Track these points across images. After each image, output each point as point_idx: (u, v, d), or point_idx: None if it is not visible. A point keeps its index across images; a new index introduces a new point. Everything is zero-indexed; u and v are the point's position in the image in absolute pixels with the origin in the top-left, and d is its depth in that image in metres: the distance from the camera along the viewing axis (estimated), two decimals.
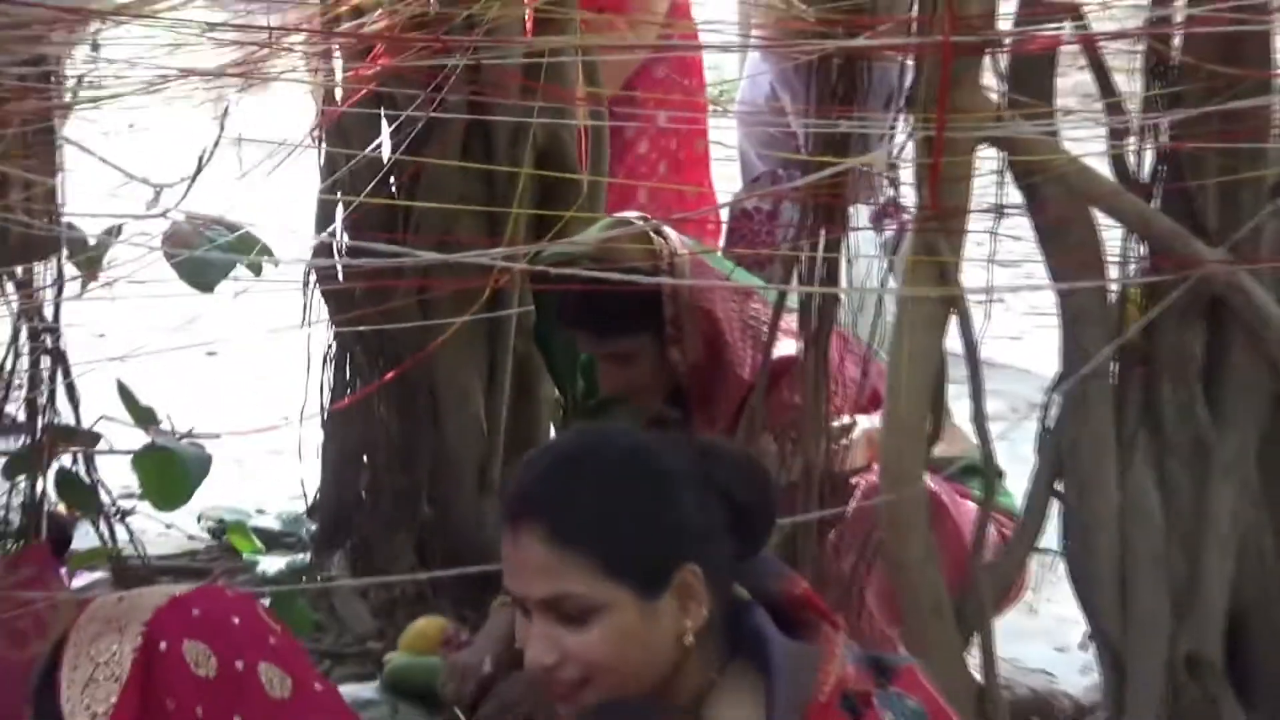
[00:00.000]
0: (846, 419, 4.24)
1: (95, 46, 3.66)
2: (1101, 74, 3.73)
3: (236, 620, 2.26)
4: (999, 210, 3.67)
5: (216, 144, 4.05)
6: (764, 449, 4.23)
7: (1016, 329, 4.67)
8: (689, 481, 2.68)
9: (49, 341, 3.93)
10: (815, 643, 2.64)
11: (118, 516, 4.34)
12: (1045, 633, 4.56)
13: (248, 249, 4.30)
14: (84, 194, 3.70)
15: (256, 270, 4.33)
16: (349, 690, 4.30)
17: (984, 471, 3.93)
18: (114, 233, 3.99)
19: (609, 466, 2.73)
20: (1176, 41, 3.70)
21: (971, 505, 4.09)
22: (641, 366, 4.38)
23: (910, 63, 3.82)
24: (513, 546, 2.65)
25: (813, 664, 2.60)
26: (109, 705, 2.17)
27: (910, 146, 3.71)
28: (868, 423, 4.16)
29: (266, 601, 4.69)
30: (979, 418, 3.77)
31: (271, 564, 5.04)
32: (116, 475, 4.33)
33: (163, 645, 2.19)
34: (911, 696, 2.65)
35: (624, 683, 2.61)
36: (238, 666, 2.21)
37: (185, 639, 2.20)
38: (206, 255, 4.25)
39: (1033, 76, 3.70)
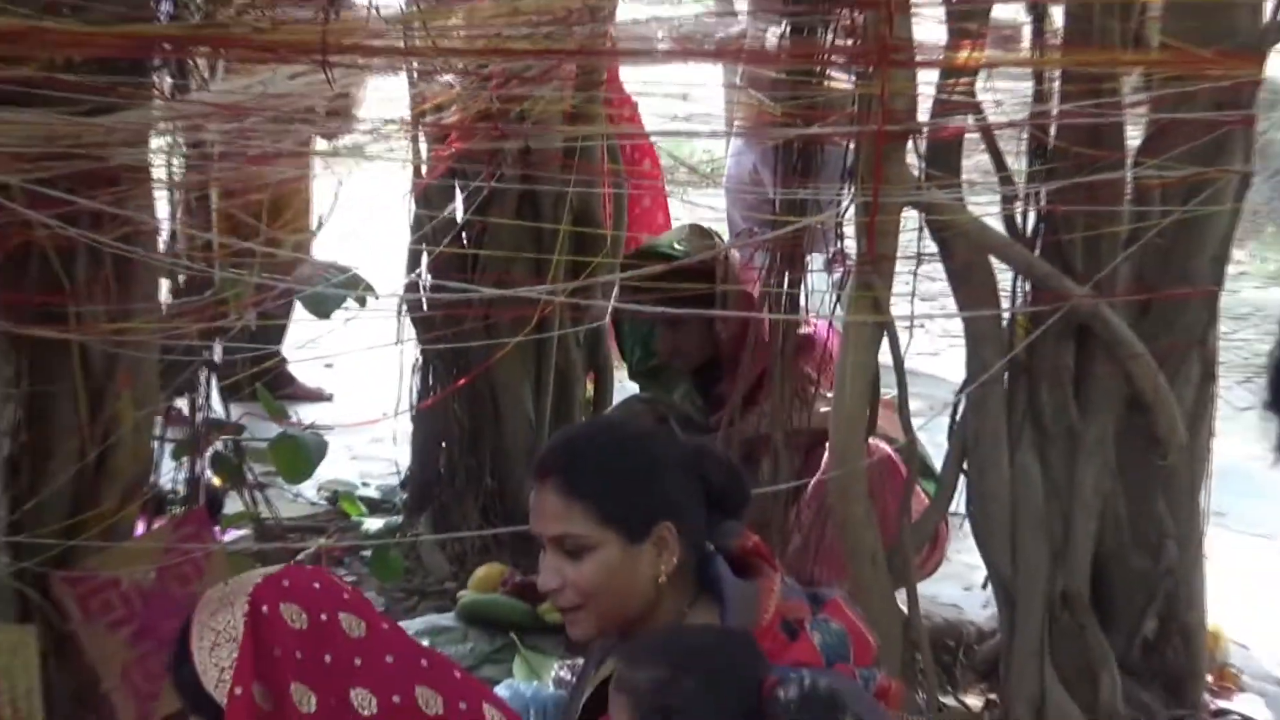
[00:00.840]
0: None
1: None
2: (995, 154, 3.86)
3: (316, 585, 2.31)
4: (919, 257, 3.80)
5: (333, 208, 4.26)
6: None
7: (933, 347, 4.74)
8: (675, 463, 2.81)
9: (205, 354, 3.92)
10: (759, 581, 2.77)
11: (258, 488, 4.39)
12: (956, 576, 4.62)
13: (355, 286, 4.45)
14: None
15: (362, 302, 4.45)
16: (430, 619, 4.45)
17: (909, 456, 4.02)
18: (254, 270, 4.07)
19: (614, 442, 2.89)
20: (1052, 130, 3.82)
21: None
22: (690, 333, 4.55)
23: (852, 146, 3.87)
24: (536, 495, 2.79)
25: (756, 597, 2.73)
26: (231, 661, 2.22)
27: (852, 209, 3.82)
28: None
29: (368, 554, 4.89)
30: (904, 413, 3.90)
31: (373, 524, 5.17)
32: (257, 457, 4.38)
33: (264, 609, 2.24)
34: (836, 621, 2.74)
35: (610, 609, 2.73)
36: (322, 618, 2.26)
37: (281, 602, 2.24)
38: (325, 290, 4.40)
39: (944, 156, 3.83)
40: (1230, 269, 4.15)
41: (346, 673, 2.24)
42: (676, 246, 4.66)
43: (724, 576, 2.78)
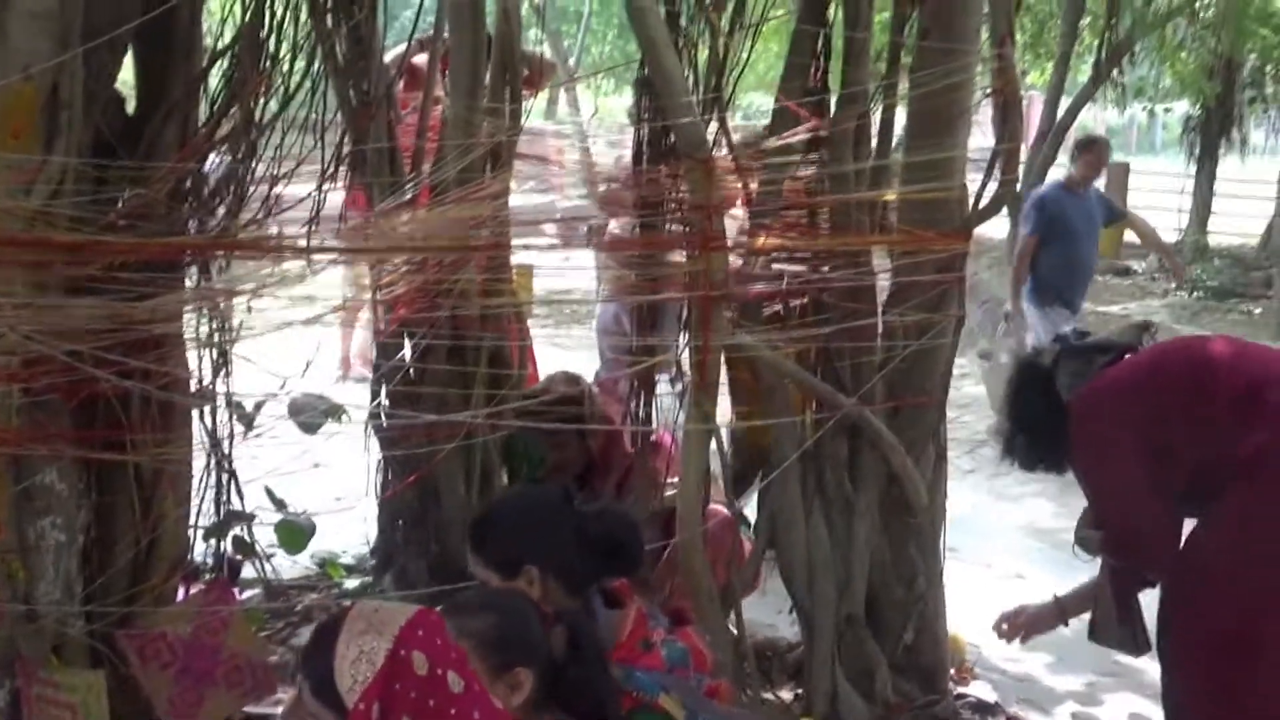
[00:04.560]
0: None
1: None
2: (786, 308, 3.95)
3: (438, 641, 2.20)
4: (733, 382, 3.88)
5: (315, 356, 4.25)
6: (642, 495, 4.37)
7: None
8: (549, 524, 2.86)
9: (226, 464, 3.85)
10: (622, 611, 2.81)
11: (266, 558, 4.35)
12: (769, 605, 4.60)
13: (334, 411, 4.44)
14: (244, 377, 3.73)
15: (339, 420, 4.45)
16: None
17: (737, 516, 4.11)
18: (261, 403, 4.07)
19: (504, 510, 3.00)
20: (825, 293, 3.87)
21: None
22: (570, 449, 4.49)
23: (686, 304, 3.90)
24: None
25: (619, 622, 2.77)
26: (365, 679, 2.13)
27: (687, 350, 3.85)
28: None
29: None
30: (728, 490, 3.98)
31: (350, 583, 5.10)
32: (264, 536, 4.33)
33: (402, 652, 2.15)
34: (681, 641, 2.78)
35: None
36: (437, 671, 2.16)
37: (415, 649, 2.16)
38: (312, 415, 4.40)
39: (751, 311, 3.90)
40: (956, 372, 4.17)
41: (443, 718, 2.18)
42: (557, 388, 4.61)
43: (596, 607, 2.83)
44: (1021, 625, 3.83)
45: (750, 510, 4.32)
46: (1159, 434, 3.24)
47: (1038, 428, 3.47)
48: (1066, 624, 3.82)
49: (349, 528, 5.43)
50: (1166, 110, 20.35)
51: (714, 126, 3.72)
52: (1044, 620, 3.79)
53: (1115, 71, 8.83)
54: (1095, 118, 24.42)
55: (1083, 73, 18.28)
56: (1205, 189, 19.68)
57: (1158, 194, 20.42)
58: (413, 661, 2.16)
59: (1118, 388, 3.34)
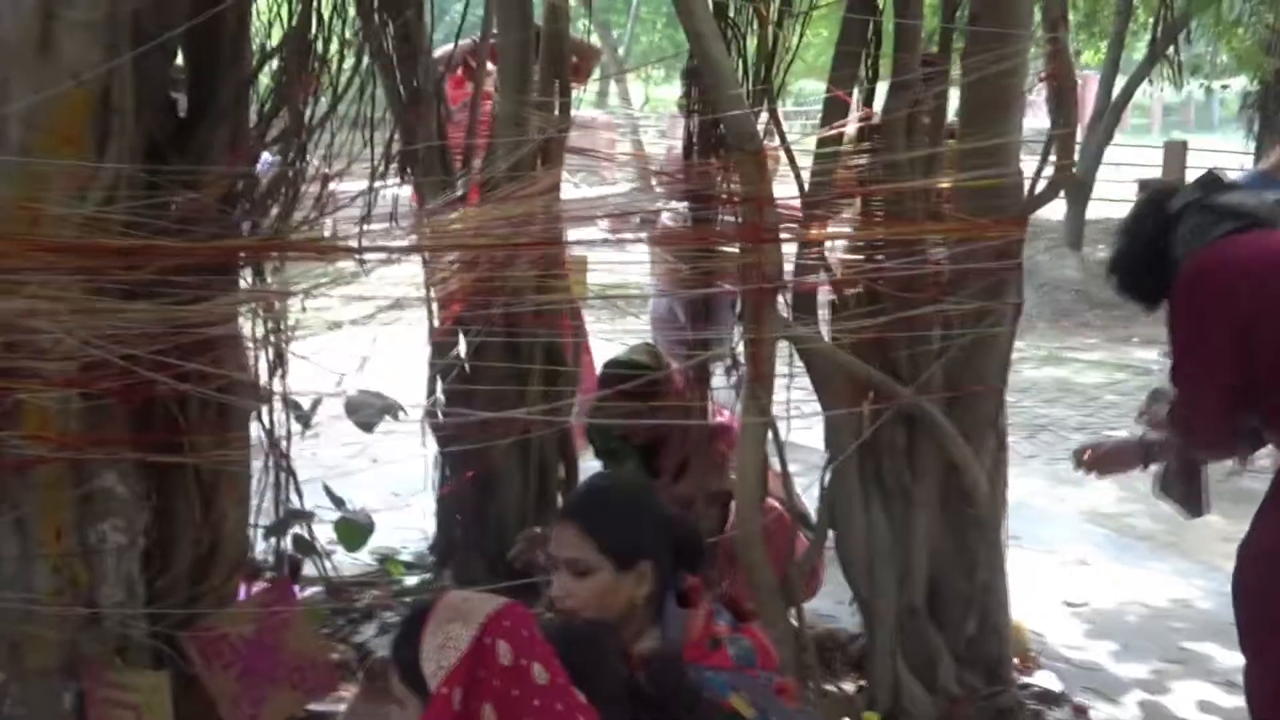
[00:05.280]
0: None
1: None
2: (842, 300, 3.88)
3: (525, 632, 2.21)
4: (791, 373, 3.84)
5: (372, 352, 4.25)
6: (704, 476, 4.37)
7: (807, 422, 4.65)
8: (658, 520, 2.83)
9: (285, 463, 3.85)
10: (693, 610, 2.78)
11: (325, 556, 4.30)
12: (830, 595, 4.56)
13: (391, 408, 4.44)
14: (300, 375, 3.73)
15: (395, 418, 4.45)
16: None
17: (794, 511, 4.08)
18: (318, 402, 4.07)
19: (620, 499, 2.90)
20: (880, 282, 3.80)
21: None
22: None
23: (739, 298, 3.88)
24: (559, 528, 2.81)
25: (689, 621, 2.75)
26: (450, 664, 2.14)
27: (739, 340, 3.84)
28: None
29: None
30: (787, 482, 3.93)
31: (409, 580, 5.11)
32: (323, 533, 4.32)
33: (487, 640, 2.16)
34: (747, 639, 2.77)
35: (595, 616, 2.71)
36: (521, 662, 2.16)
37: (500, 639, 2.17)
38: (369, 413, 4.40)
39: (805, 303, 3.88)
40: (1014, 356, 4.13)
41: (526, 709, 2.17)
42: (637, 358, 4.62)
43: (670, 606, 2.79)
44: (1101, 457, 3.84)
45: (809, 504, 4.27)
46: (1250, 328, 3.19)
47: (1141, 268, 3.46)
48: (1146, 466, 3.81)
49: (408, 524, 5.47)
50: (1224, 87, 20.08)
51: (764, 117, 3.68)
52: (1125, 455, 3.79)
53: (1171, 49, 8.67)
54: (1151, 96, 24.13)
55: (1138, 51, 18.10)
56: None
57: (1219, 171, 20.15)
58: (497, 650, 2.18)
59: (1229, 268, 3.26)
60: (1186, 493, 3.75)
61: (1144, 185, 4.28)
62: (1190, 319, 3.32)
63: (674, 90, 8.64)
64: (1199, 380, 3.35)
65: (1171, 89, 14.52)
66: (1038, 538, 5.93)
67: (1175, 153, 19.38)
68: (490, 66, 4.91)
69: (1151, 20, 14.32)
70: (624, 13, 23.44)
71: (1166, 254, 3.39)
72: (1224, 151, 20.97)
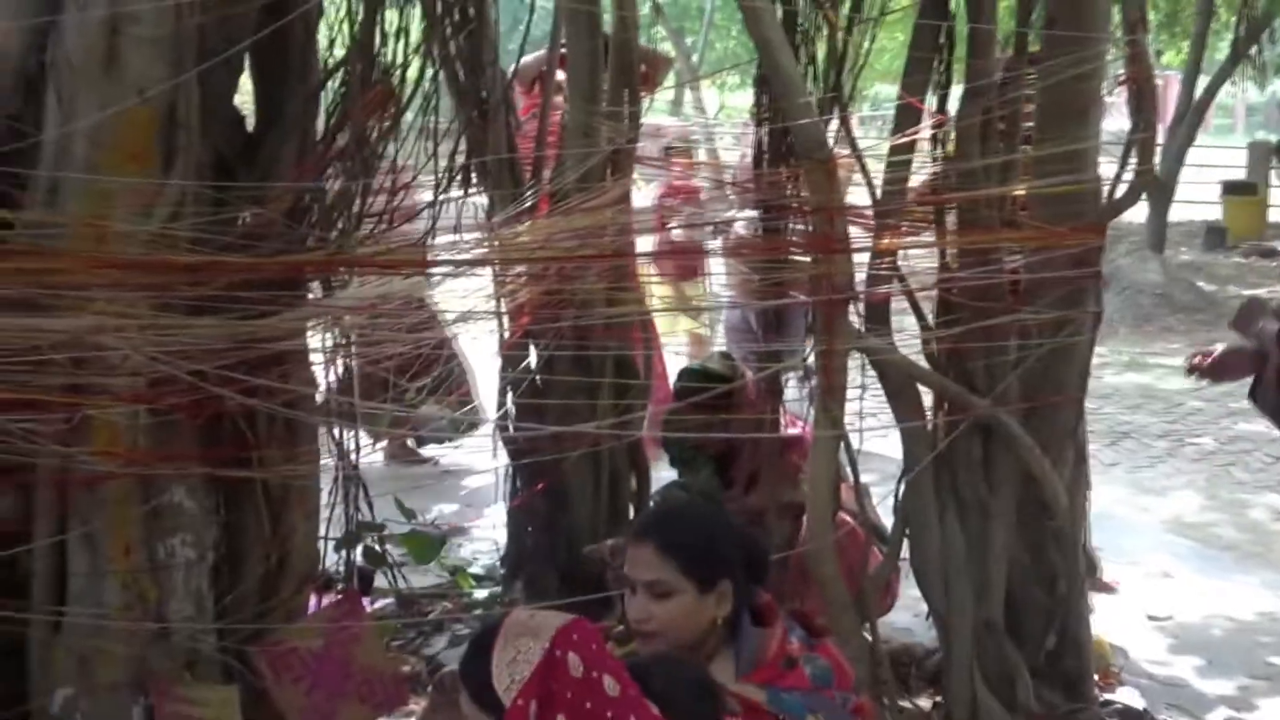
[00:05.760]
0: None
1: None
2: (916, 310, 3.85)
3: (594, 646, 2.21)
4: (863, 385, 3.76)
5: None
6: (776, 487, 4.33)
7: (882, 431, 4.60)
8: (733, 539, 2.80)
9: (353, 476, 3.88)
10: (768, 630, 2.76)
11: (398, 566, 4.35)
12: (907, 608, 4.53)
13: (461, 422, 4.44)
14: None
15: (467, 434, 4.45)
16: None
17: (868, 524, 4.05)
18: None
19: (697, 518, 2.90)
20: (954, 292, 3.77)
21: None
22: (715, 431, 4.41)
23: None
24: (635, 549, 2.77)
25: (764, 641, 2.72)
26: (523, 677, 2.15)
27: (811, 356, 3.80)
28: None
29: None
30: (859, 495, 3.92)
31: (480, 593, 5.08)
32: (395, 546, 4.31)
33: (557, 653, 2.16)
34: (823, 658, 2.76)
35: (677, 640, 2.69)
36: (593, 674, 2.17)
37: (569, 651, 2.17)
38: (439, 427, 4.41)
39: (878, 313, 3.81)
40: (1095, 361, 4.08)
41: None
42: (712, 367, 4.60)
43: (744, 625, 2.76)
44: (1215, 365, 3.83)
45: (884, 516, 4.23)
46: None
47: None
48: (1262, 374, 3.76)
49: (480, 537, 5.47)
50: None
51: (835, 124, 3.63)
52: (1238, 362, 3.77)
53: (1254, 49, 8.53)
54: (1234, 96, 23.78)
55: (1219, 51, 17.83)
56: None
57: None
58: (568, 663, 2.18)
59: None
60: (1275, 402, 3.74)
61: (1232, 186, 4.21)
62: None
63: (749, 98, 8.57)
64: None
65: (1255, 89, 14.31)
66: (1120, 549, 5.81)
67: (1261, 152, 19.10)
68: (559, 76, 4.89)
69: (1234, 20, 14.11)
70: (698, 19, 23.41)
71: None
72: None
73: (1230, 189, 18.62)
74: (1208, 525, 6.73)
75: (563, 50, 4.83)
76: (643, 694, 2.25)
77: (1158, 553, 6.04)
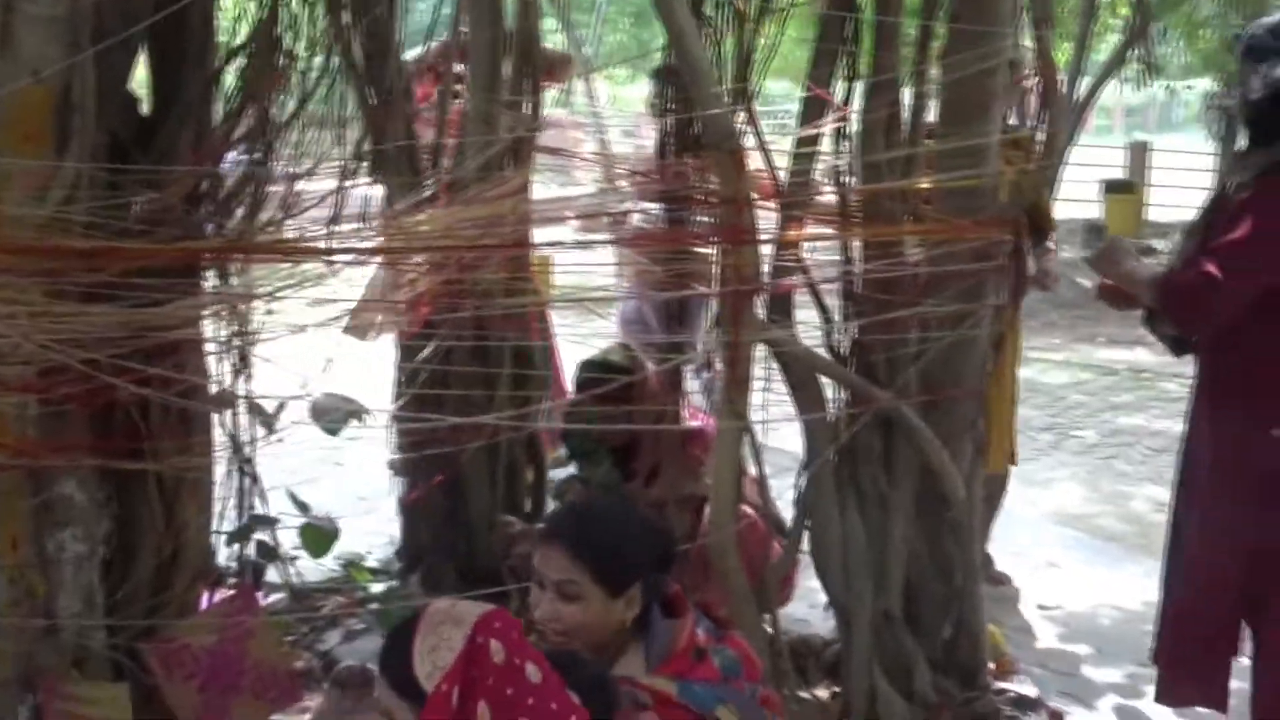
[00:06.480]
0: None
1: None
2: (819, 302, 3.85)
3: (515, 634, 2.22)
4: (768, 377, 3.76)
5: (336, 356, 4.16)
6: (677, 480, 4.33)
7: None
8: (647, 540, 2.80)
9: (249, 468, 3.75)
10: (678, 620, 2.76)
11: (290, 561, 4.23)
12: (802, 599, 4.58)
13: (357, 412, 4.36)
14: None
15: (361, 422, 4.37)
16: None
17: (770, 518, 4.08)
18: (282, 406, 3.98)
19: (611, 521, 2.86)
20: (858, 284, 3.81)
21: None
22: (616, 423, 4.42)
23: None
24: (546, 548, 2.76)
25: (675, 633, 2.72)
26: (445, 664, 2.15)
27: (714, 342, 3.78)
28: None
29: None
30: (763, 487, 3.91)
31: (377, 586, 5.00)
32: (288, 539, 4.25)
33: (479, 639, 2.17)
34: (731, 650, 2.79)
35: (585, 640, 2.69)
36: (514, 661, 2.18)
37: (491, 638, 2.18)
38: (334, 417, 4.31)
39: (779, 305, 3.81)
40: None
41: (520, 707, 2.18)
42: (614, 359, 4.57)
43: (655, 618, 2.76)
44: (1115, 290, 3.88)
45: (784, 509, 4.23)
46: None
47: (1262, 113, 3.53)
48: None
49: (375, 530, 5.40)
50: (1188, 88, 20.21)
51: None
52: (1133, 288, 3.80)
53: (1141, 50, 8.66)
54: (1113, 97, 24.23)
55: (1100, 51, 18.14)
56: (1227, 165, 19.55)
57: (1180, 172, 20.31)
58: (490, 649, 2.18)
59: None
60: (1169, 335, 3.83)
61: (1112, 185, 4.29)
62: (1265, 222, 3.43)
63: (640, 89, 8.59)
64: (1260, 253, 3.45)
65: (1134, 90, 14.59)
66: (1008, 540, 5.89)
67: (1139, 153, 19.54)
68: (458, 66, 4.83)
69: (1115, 21, 14.37)
70: (590, 11, 23.35)
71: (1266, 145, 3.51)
72: (1187, 152, 21.10)
73: (1110, 188, 19.02)
74: (1092, 517, 6.86)
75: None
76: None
77: (1045, 544, 6.15)
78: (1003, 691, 4.27)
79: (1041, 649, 4.83)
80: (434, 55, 5.23)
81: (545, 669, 2.22)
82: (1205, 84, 20.11)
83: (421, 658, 2.18)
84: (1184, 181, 19.91)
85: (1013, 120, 4.17)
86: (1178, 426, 3.98)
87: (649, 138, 5.10)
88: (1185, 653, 3.78)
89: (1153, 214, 19.40)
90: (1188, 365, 3.85)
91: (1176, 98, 17.85)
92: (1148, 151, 19.89)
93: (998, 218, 3.77)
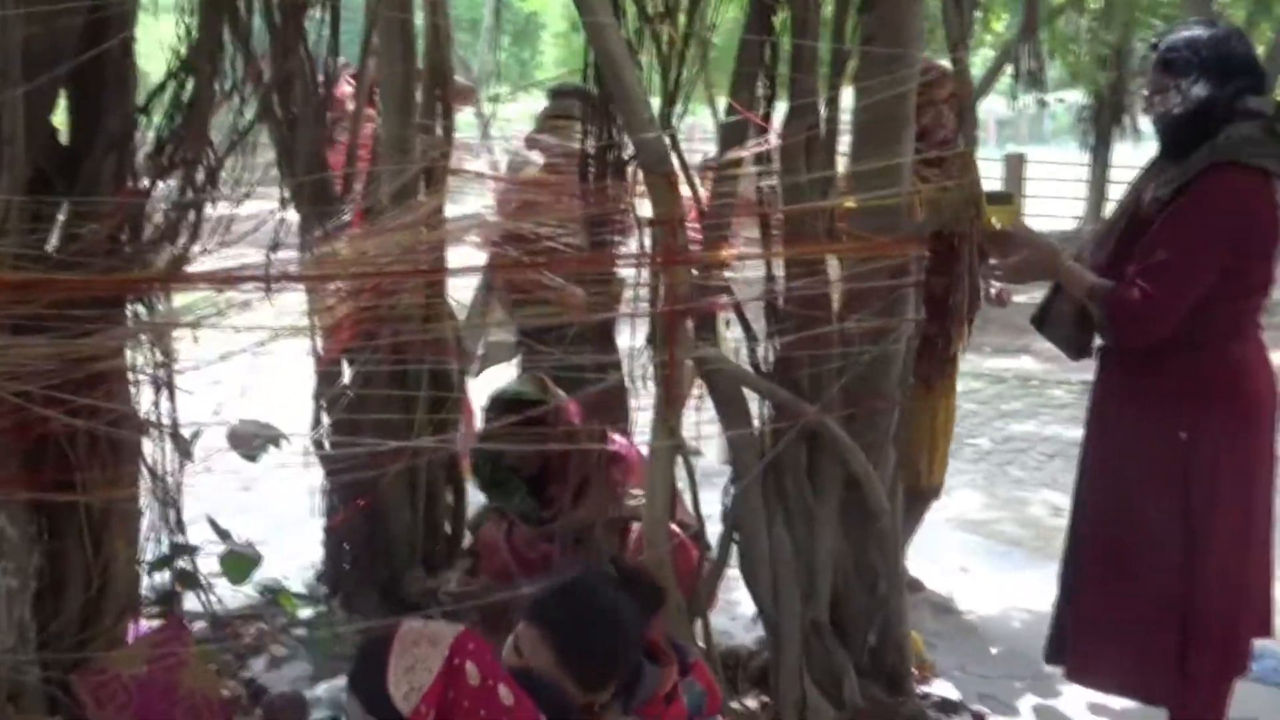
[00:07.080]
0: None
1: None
2: (743, 319, 3.89)
3: (487, 656, 2.27)
4: (700, 395, 3.82)
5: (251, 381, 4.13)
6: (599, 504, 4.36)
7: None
8: (634, 632, 2.80)
9: (169, 498, 3.70)
10: (663, 669, 2.83)
11: (209, 589, 4.17)
12: (723, 611, 4.59)
13: (275, 439, 4.34)
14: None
15: (279, 448, 4.36)
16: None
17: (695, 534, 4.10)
18: (197, 433, 3.95)
19: (600, 629, 2.78)
20: (781, 301, 3.86)
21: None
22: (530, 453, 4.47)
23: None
24: (529, 632, 2.68)
25: (660, 679, 2.80)
26: (423, 685, 2.19)
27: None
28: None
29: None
30: (695, 504, 3.95)
31: (304, 612, 4.91)
32: (208, 566, 4.19)
33: (455, 661, 2.22)
34: (699, 684, 2.85)
35: None
36: (489, 682, 2.23)
37: (467, 660, 2.23)
38: (252, 444, 4.30)
39: (707, 323, 3.85)
40: None
41: None
42: (525, 391, 4.60)
43: (644, 667, 2.82)
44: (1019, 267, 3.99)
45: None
46: (1242, 253, 3.50)
47: (1189, 121, 3.59)
48: (1050, 304, 3.96)
49: (292, 556, 5.35)
50: (1060, 101, 20.67)
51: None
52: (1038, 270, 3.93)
53: (1024, 63, 8.89)
54: (985, 110, 24.68)
55: (974, 65, 18.53)
56: (1100, 176, 20.09)
57: (1053, 183, 20.79)
58: (466, 671, 2.24)
59: (1257, 195, 3.49)
60: (1072, 336, 3.89)
61: (991, 197, 4.40)
62: (1207, 217, 3.50)
63: (521, 106, 8.55)
64: (1188, 277, 3.52)
65: (1006, 102, 14.91)
66: (917, 547, 5.98)
67: (1014, 165, 19.94)
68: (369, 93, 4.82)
69: (989, 37, 14.69)
70: (470, 32, 23.35)
71: (1210, 128, 3.55)
72: (1060, 163, 21.58)
73: (990, 199, 19.33)
74: (992, 522, 6.97)
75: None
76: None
77: (952, 550, 6.25)
78: (926, 696, 4.34)
79: (959, 653, 4.91)
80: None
81: (517, 691, 2.24)
82: (1075, 96, 20.60)
83: (398, 677, 2.22)
84: (1057, 192, 20.39)
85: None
86: (1068, 432, 4.11)
87: (540, 156, 5.16)
88: (1105, 647, 3.93)
89: (1030, 224, 19.77)
90: (1074, 372, 3.96)
91: (1047, 110, 18.25)
92: (1024, 163, 20.30)
93: (915, 235, 3.85)
